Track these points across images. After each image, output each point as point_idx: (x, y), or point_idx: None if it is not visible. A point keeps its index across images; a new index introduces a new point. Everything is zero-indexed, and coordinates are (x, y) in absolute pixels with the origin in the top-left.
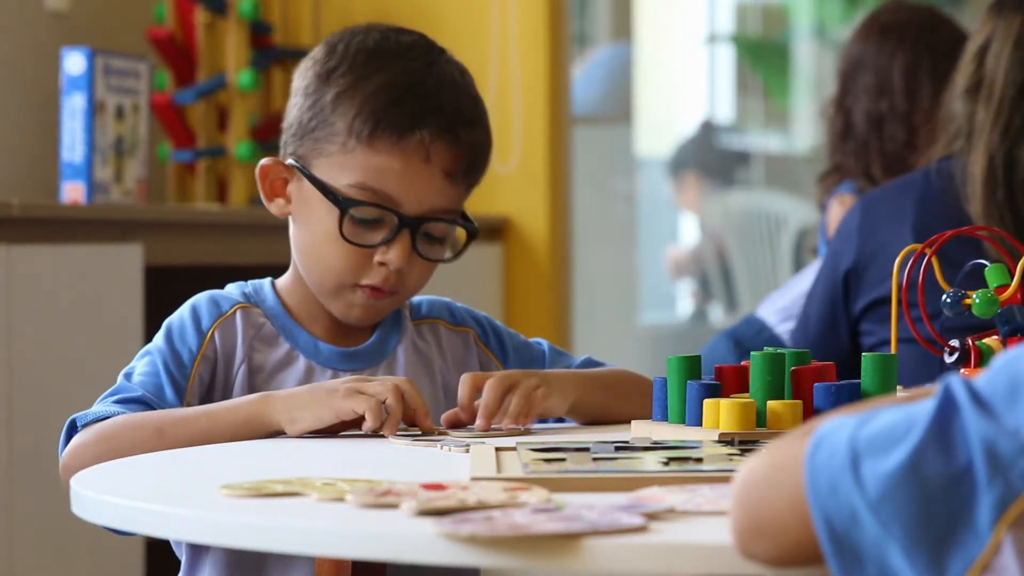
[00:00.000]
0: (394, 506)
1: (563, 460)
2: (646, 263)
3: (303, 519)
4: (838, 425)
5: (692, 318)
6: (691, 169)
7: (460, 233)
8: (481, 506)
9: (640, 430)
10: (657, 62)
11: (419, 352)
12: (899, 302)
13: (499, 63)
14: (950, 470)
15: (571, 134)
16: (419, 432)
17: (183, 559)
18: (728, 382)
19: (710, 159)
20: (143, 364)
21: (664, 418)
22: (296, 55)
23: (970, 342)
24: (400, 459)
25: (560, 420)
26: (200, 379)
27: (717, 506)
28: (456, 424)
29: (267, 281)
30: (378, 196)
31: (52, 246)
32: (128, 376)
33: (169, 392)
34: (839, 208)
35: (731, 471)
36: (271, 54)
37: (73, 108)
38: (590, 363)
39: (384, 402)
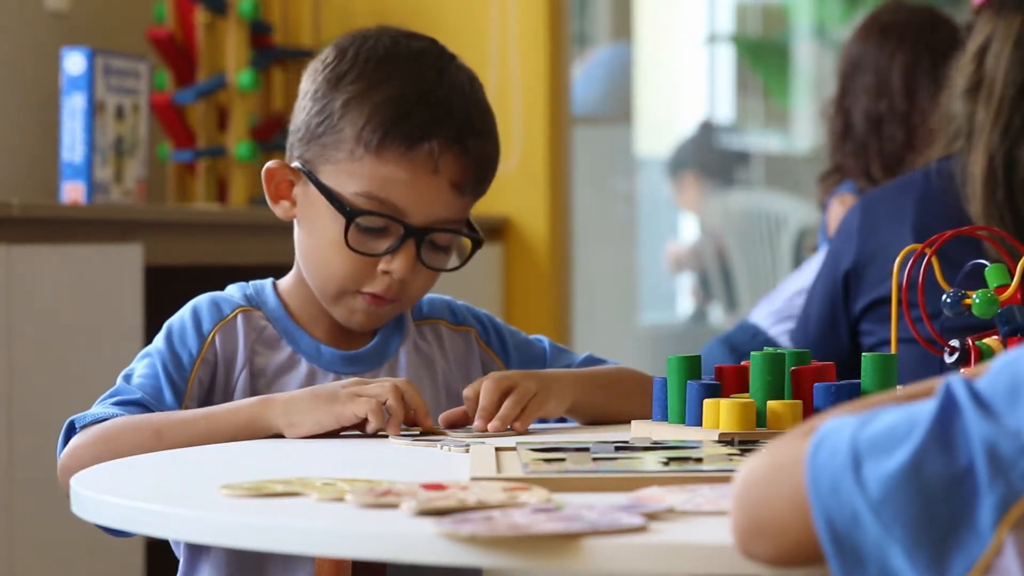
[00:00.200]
0: (394, 506)
1: (563, 460)
2: (646, 263)
3: (303, 519)
4: (839, 425)
5: (692, 318)
6: (690, 169)
7: (465, 239)
8: (481, 506)
9: (640, 430)
10: (657, 62)
11: (421, 353)
12: (899, 302)
13: (499, 63)
14: (951, 471)
15: (571, 134)
16: (419, 432)
17: (181, 559)
18: (728, 382)
19: (710, 159)
20: (143, 366)
21: (664, 418)
22: (296, 55)
23: (970, 342)
24: (400, 459)
25: (562, 419)
26: (200, 382)
27: (717, 506)
28: (455, 424)
29: (268, 282)
30: (384, 206)
31: (52, 246)
32: (127, 378)
33: (168, 395)
34: (839, 208)
35: (731, 471)
36: (271, 54)
37: (73, 108)
38: (592, 360)
39: (385, 403)
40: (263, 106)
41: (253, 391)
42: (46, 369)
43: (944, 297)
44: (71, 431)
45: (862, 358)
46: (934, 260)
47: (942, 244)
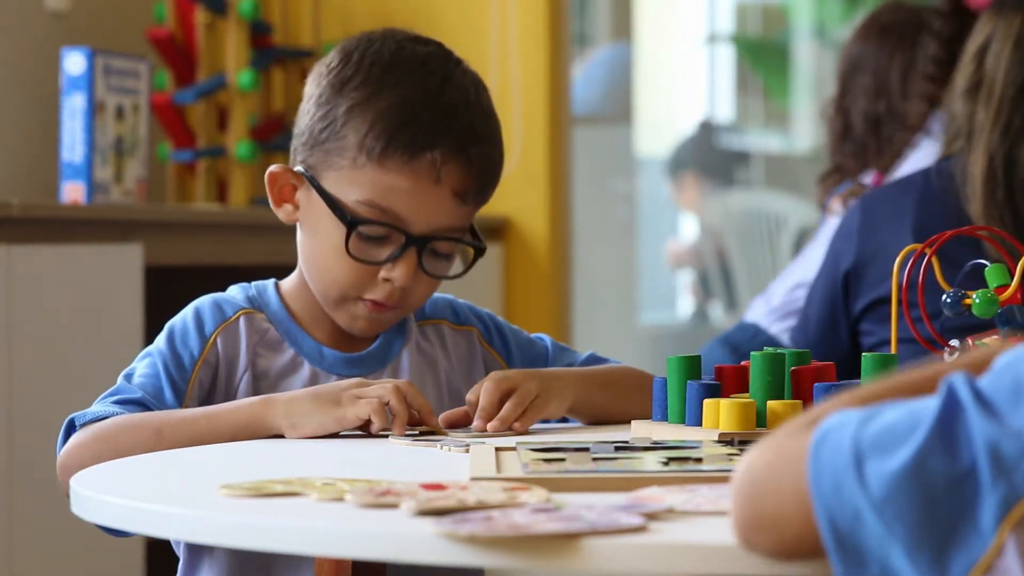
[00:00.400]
0: (394, 506)
1: (563, 460)
2: (646, 263)
3: (303, 519)
4: (842, 421)
5: (692, 318)
6: (690, 169)
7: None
8: (481, 506)
9: (640, 430)
10: (657, 62)
11: (423, 354)
12: (899, 302)
13: (499, 63)
14: (954, 471)
15: (571, 134)
16: (418, 432)
17: (181, 559)
18: (728, 382)
19: (710, 159)
20: (144, 366)
21: (664, 418)
22: (296, 55)
23: (970, 342)
24: (400, 459)
25: (563, 419)
26: (200, 384)
27: (717, 506)
28: (454, 424)
29: (271, 283)
30: (386, 214)
31: (52, 246)
32: (128, 377)
33: (168, 395)
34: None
35: (731, 471)
36: (271, 54)
37: (73, 108)
38: (594, 359)
39: (387, 404)
40: (263, 106)
41: (256, 393)
42: (46, 369)
43: (944, 297)
44: (71, 429)
45: (862, 358)
46: (934, 260)
47: (942, 244)
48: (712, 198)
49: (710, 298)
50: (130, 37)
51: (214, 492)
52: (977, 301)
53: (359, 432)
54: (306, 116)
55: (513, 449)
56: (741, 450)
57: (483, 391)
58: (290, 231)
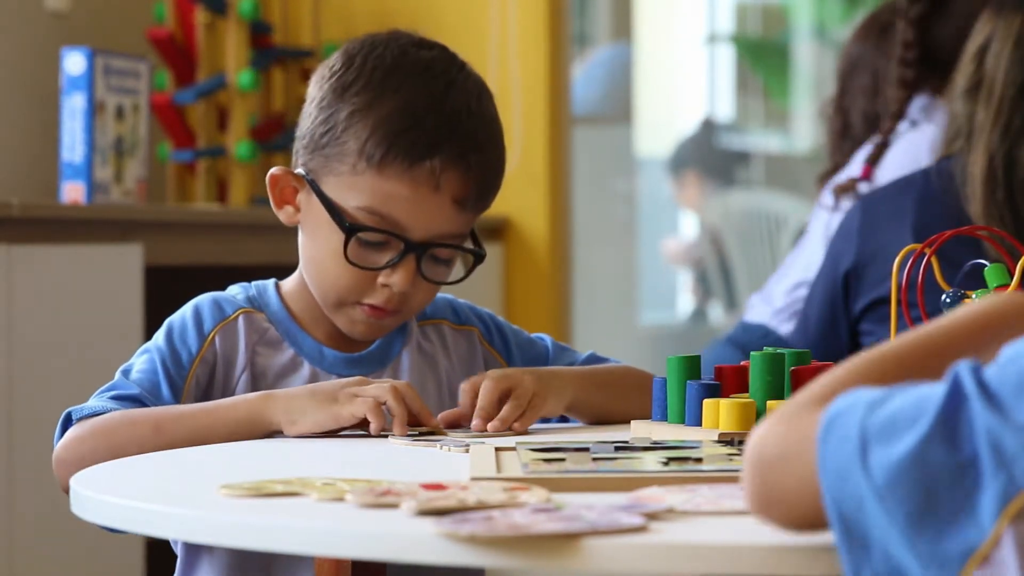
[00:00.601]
0: (394, 506)
1: (563, 460)
2: (646, 263)
3: (303, 519)
4: (851, 404)
5: (692, 318)
6: (692, 167)
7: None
8: (481, 506)
9: (640, 430)
10: (657, 62)
11: (424, 354)
12: (899, 302)
13: (499, 63)
14: (955, 461)
15: (571, 134)
16: (418, 432)
17: (178, 558)
18: (728, 382)
19: (710, 159)
20: (141, 362)
21: (664, 418)
22: (296, 55)
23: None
24: (400, 459)
25: (563, 419)
26: (197, 381)
27: (717, 506)
28: (454, 424)
29: (271, 283)
30: (385, 221)
31: (52, 246)
32: (126, 373)
33: (166, 391)
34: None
35: (731, 471)
36: (271, 54)
37: (73, 108)
38: (594, 359)
39: (384, 404)
40: (263, 106)
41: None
42: (46, 369)
43: (944, 297)
44: (68, 423)
45: None
46: (934, 260)
47: (942, 244)
48: (712, 198)
49: (710, 297)
50: (130, 37)
51: (214, 492)
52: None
53: (359, 432)
54: (308, 119)
55: (513, 449)
56: (741, 450)
57: (482, 390)
58: (290, 231)
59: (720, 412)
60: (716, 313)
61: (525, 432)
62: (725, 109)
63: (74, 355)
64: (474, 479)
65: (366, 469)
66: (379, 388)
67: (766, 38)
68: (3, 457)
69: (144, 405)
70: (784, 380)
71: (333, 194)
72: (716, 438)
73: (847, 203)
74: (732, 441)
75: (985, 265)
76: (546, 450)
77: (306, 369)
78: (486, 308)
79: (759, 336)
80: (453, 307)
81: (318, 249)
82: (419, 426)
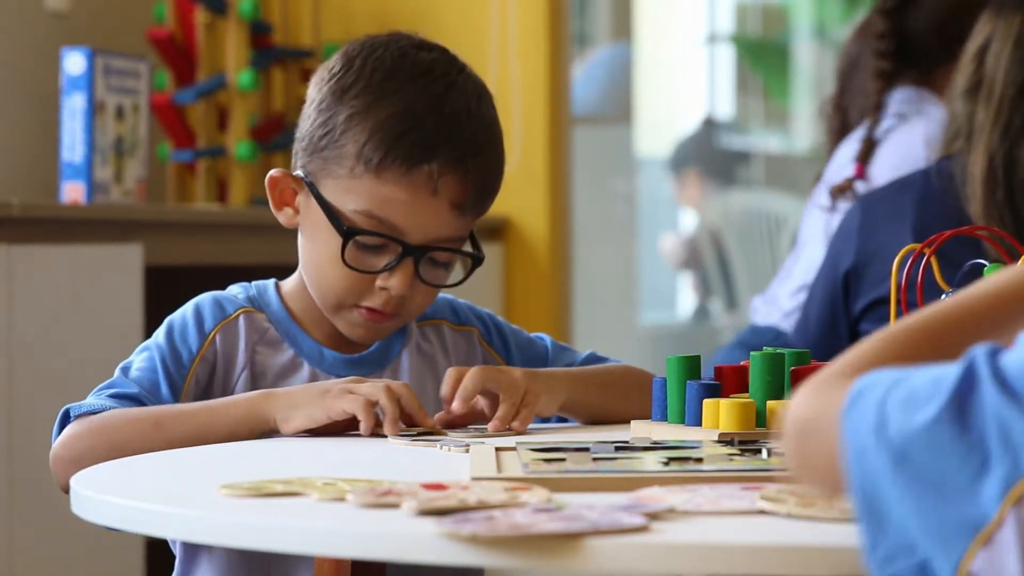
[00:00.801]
0: (395, 506)
1: (563, 460)
2: (646, 263)
3: (303, 519)
4: (874, 382)
5: (693, 317)
6: (693, 166)
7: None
8: (482, 506)
9: (640, 430)
10: (657, 62)
11: (423, 354)
12: (898, 302)
13: (499, 63)
14: (964, 443)
15: (571, 134)
16: (417, 432)
17: (177, 559)
18: (728, 382)
19: (711, 158)
20: (141, 359)
21: (664, 418)
22: (296, 55)
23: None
24: (400, 459)
25: (563, 419)
26: (197, 380)
27: (717, 506)
28: (449, 424)
29: (271, 283)
30: (383, 225)
31: (52, 246)
32: (125, 370)
33: (165, 390)
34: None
35: (731, 471)
36: (271, 54)
37: (73, 108)
38: (594, 359)
39: (376, 403)
40: (263, 106)
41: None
42: (46, 369)
43: (943, 297)
44: (66, 420)
45: None
46: (933, 260)
47: (942, 244)
48: (712, 197)
49: (710, 297)
50: (130, 37)
51: (214, 492)
52: None
53: (358, 432)
54: (307, 121)
55: (513, 449)
56: (741, 450)
57: (467, 376)
58: (290, 232)
59: (720, 412)
60: (716, 313)
61: (525, 432)
62: (725, 109)
63: (74, 355)
64: (475, 479)
65: (367, 469)
66: (373, 387)
67: (766, 38)
68: (3, 457)
69: (142, 404)
70: (784, 380)
71: (331, 197)
72: (716, 438)
73: (844, 204)
74: (732, 441)
75: (985, 265)
76: (546, 450)
77: (306, 370)
78: (486, 308)
79: (770, 338)
80: (453, 307)
81: (316, 252)
82: (415, 426)
